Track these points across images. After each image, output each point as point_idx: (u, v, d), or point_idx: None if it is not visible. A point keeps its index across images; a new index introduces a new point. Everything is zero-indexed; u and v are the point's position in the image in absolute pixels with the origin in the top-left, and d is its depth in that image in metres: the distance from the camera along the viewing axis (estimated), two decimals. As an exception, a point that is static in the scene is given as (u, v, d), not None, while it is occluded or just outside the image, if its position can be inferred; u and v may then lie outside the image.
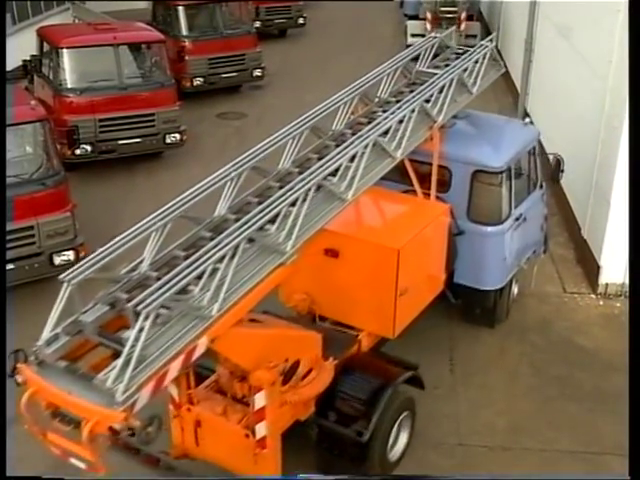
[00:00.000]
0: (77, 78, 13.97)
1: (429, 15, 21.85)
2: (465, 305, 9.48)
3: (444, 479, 7.09)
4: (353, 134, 7.39)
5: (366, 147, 7.03)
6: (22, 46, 16.23)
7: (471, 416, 8.40)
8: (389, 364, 7.75)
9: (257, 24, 22.18)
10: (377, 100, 8.50)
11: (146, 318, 4.97)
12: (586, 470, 7.64)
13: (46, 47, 14.65)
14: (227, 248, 5.60)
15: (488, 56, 9.51)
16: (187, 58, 18.12)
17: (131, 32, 15.03)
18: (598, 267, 10.65)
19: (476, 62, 9.23)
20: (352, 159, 6.91)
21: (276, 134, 7.10)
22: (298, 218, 6.17)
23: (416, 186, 8.44)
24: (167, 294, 5.15)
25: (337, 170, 6.73)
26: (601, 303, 10.58)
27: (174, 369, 5.21)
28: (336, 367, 7.14)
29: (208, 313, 5.46)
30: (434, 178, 8.48)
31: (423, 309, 8.16)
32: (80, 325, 5.28)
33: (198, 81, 18.27)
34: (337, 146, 7.17)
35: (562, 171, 9.87)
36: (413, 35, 22.12)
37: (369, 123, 7.58)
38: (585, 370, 9.17)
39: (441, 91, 8.32)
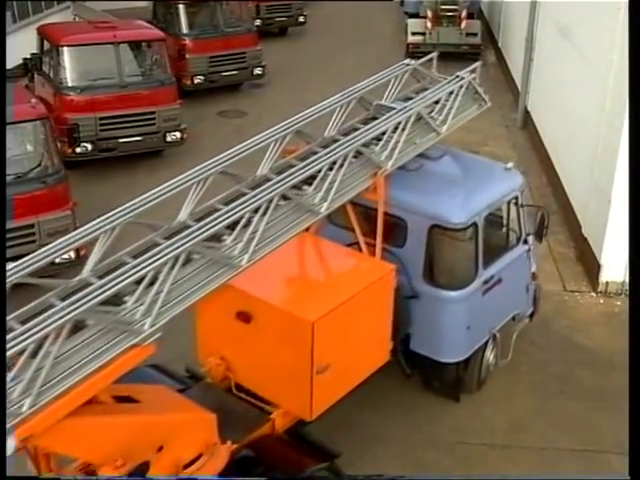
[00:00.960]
0: (77, 76, 13.97)
1: (430, 13, 21.80)
2: (424, 376, 8.36)
3: (444, 479, 7.08)
4: (270, 181, 6.29)
5: (282, 199, 6.18)
6: (23, 44, 16.21)
7: (471, 414, 8.40)
8: (304, 451, 6.67)
9: (257, 22, 22.16)
10: (321, 139, 7.22)
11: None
12: (586, 468, 7.64)
13: (46, 45, 14.64)
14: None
15: (464, 89, 8.34)
16: (188, 56, 18.10)
17: (132, 30, 15.02)
18: (599, 265, 10.65)
19: (452, 94, 8.18)
20: (264, 212, 6.00)
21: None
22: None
23: (359, 238, 7.34)
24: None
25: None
26: (601, 301, 10.58)
27: None
28: (236, 450, 6.17)
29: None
30: (379, 231, 7.29)
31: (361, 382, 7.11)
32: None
33: (199, 79, 18.26)
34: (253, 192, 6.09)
35: (546, 227, 8.62)
36: (414, 33, 22.10)
37: (298, 168, 6.44)
38: (585, 368, 9.17)
39: (395, 130, 7.25)
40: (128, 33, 14.70)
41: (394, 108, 7.52)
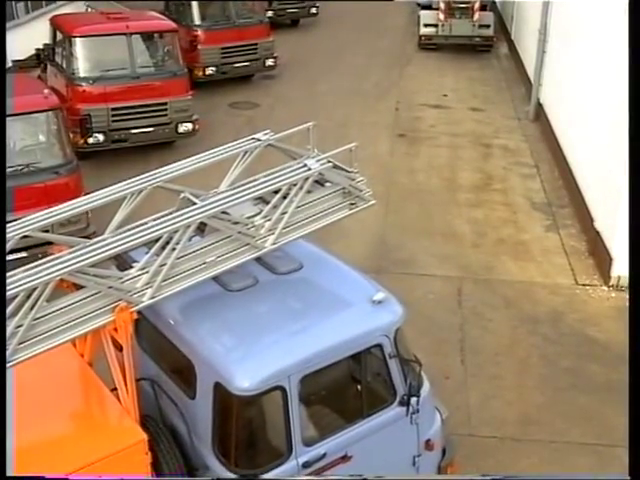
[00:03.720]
0: (90, 67, 13.99)
1: (442, 5, 21.72)
2: None
3: (444, 479, 7.06)
4: None
5: None
6: (35, 35, 16.27)
7: (481, 407, 8.40)
8: None
9: (269, 13, 22.14)
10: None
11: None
12: (596, 462, 7.64)
13: (59, 36, 14.66)
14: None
15: (308, 184, 5.74)
16: (200, 47, 18.10)
17: (144, 21, 15.02)
18: (610, 259, 10.61)
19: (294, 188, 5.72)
20: None
21: None
22: None
23: (118, 380, 5.23)
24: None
25: None
26: (613, 295, 10.55)
27: None
28: None
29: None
30: (130, 384, 5.25)
31: None
32: None
33: (210, 70, 18.26)
34: None
35: (414, 397, 5.83)
36: (426, 25, 22.04)
37: None
38: (596, 362, 9.15)
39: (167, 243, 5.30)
40: (140, 24, 14.70)
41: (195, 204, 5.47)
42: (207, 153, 6.00)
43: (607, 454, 7.77)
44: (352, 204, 6.05)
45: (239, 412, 5.35)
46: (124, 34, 14.11)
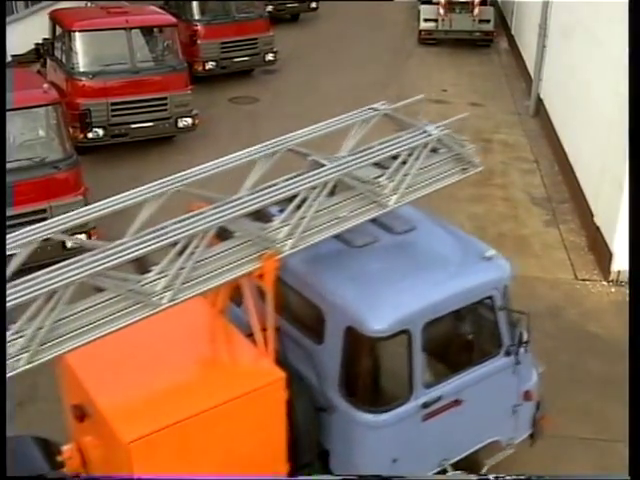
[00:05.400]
0: (89, 61, 13.98)
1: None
2: None
3: (444, 479, 7.06)
4: None
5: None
6: (35, 29, 16.24)
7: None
8: None
9: (269, 8, 22.09)
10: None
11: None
12: (596, 457, 7.65)
13: (59, 30, 14.65)
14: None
15: (428, 149, 6.23)
16: (199, 42, 18.07)
17: (143, 16, 15.01)
18: (610, 254, 10.62)
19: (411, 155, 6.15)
20: None
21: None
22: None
23: (255, 328, 5.68)
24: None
25: None
26: (613, 290, 10.55)
27: None
28: None
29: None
30: (270, 327, 5.67)
31: None
32: None
33: (210, 65, 18.24)
34: None
35: (525, 343, 6.46)
36: (426, 20, 22.00)
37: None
38: (596, 357, 9.16)
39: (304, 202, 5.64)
40: (140, 18, 14.69)
41: (323, 165, 5.79)
42: (325, 122, 6.29)
43: (607, 449, 7.79)
44: (464, 169, 6.59)
45: (369, 354, 5.86)
46: (124, 28, 14.10)
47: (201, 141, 14.80)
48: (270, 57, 19.23)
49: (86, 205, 10.47)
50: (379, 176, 6.02)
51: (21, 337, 4.52)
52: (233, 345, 5.93)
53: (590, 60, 12.74)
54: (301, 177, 5.65)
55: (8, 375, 4.46)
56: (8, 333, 4.50)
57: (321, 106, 16.35)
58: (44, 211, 9.97)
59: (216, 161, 5.64)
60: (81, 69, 13.89)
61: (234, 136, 15.09)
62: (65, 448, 5.78)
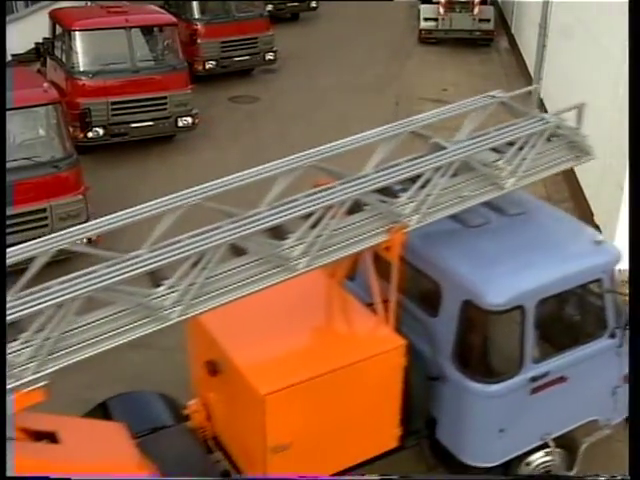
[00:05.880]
0: (89, 61, 13.98)
1: (443, -1, 21.71)
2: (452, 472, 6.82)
3: (444, 479, 7.04)
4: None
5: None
6: (35, 29, 16.24)
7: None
8: None
9: (269, 7, 22.09)
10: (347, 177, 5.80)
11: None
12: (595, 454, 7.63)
13: (58, 30, 14.65)
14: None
15: (545, 137, 6.61)
16: (199, 41, 18.09)
17: (143, 15, 15.02)
18: (610, 254, 10.60)
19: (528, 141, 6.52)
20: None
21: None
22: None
23: (376, 298, 6.03)
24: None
25: None
26: (613, 290, 10.54)
27: None
28: None
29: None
30: (393, 298, 6.00)
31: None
32: None
33: (210, 64, 18.26)
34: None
35: (624, 330, 6.60)
36: (426, 19, 22.01)
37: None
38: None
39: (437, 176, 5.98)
40: (140, 18, 14.69)
41: (444, 148, 6.11)
42: (445, 108, 6.62)
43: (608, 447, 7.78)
44: (577, 156, 6.93)
45: (484, 327, 6.13)
46: (124, 28, 14.10)
47: (201, 140, 14.81)
48: (270, 56, 19.23)
49: (86, 205, 10.61)
50: (496, 160, 6.31)
51: (29, 347, 4.53)
52: (355, 313, 6.23)
53: (590, 61, 12.74)
54: (424, 158, 5.94)
55: (17, 384, 4.46)
56: (16, 343, 4.52)
57: (322, 105, 16.36)
58: (44, 210, 9.99)
59: (342, 140, 5.95)
60: (81, 68, 13.89)
61: (234, 135, 15.11)
62: (191, 403, 6.28)
